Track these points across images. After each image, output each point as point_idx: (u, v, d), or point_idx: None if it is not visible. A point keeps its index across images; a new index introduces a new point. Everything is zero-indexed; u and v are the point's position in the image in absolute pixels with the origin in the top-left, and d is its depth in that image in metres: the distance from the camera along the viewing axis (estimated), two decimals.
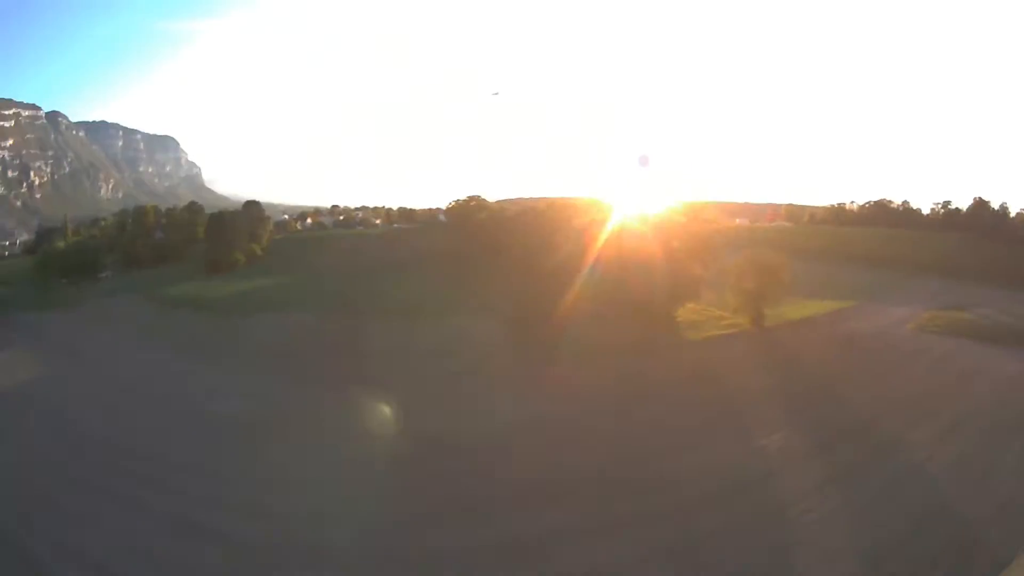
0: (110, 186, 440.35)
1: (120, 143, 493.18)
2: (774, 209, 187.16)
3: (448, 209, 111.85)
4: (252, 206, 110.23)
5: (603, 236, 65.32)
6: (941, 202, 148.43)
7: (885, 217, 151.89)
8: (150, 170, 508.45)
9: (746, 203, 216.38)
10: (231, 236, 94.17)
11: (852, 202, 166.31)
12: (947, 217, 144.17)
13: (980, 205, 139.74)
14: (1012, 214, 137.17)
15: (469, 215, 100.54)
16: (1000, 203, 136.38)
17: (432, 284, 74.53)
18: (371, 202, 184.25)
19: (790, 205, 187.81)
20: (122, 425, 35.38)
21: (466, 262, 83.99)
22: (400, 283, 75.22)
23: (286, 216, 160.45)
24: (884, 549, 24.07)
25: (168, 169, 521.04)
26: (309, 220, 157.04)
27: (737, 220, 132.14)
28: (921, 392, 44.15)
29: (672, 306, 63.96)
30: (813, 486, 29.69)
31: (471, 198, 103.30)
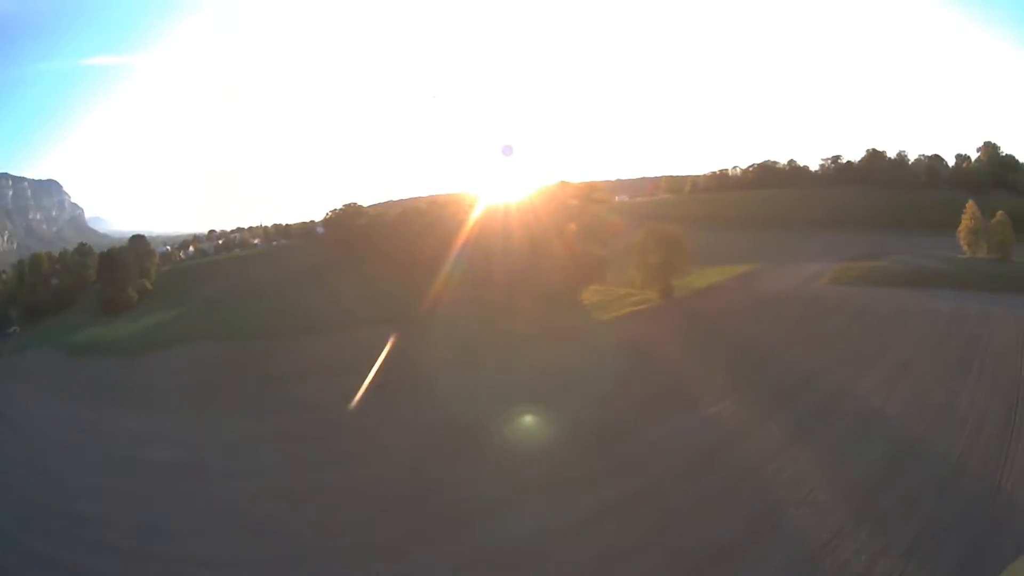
0: (4, 238, 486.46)
1: (11, 192, 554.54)
2: (653, 182, 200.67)
3: (325, 220, 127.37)
4: (138, 241, 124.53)
5: (488, 226, 73.68)
6: (830, 157, 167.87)
7: (772, 178, 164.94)
8: (38, 216, 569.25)
9: (619, 180, 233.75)
10: (122, 274, 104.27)
11: (735, 167, 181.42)
12: (839, 171, 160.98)
13: (874, 156, 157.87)
14: (911, 160, 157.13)
15: (347, 223, 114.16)
16: (897, 151, 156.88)
17: (322, 297, 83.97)
18: (248, 222, 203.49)
19: (669, 176, 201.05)
20: (60, 487, 37.99)
21: (352, 270, 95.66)
22: (292, 300, 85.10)
23: (168, 247, 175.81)
24: (867, 495, 25.47)
25: (54, 214, 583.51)
26: (192, 248, 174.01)
27: (616, 197, 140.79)
28: (857, 340, 48.05)
29: (577, 289, 67.40)
30: (778, 446, 30.72)
31: (348, 206, 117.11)
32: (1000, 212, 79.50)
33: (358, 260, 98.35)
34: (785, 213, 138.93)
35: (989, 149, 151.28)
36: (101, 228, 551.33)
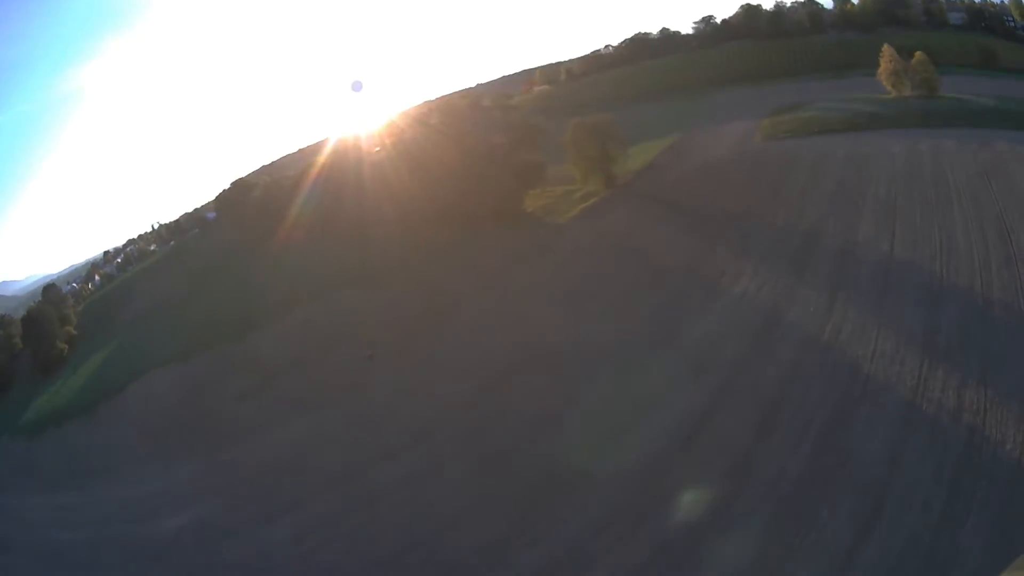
0: None
1: None
2: (525, 78, 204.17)
3: (216, 203, 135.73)
4: (51, 290, 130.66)
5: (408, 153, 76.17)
6: (701, 18, 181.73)
7: (647, 50, 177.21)
8: None
9: (480, 84, 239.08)
10: (48, 330, 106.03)
11: (607, 46, 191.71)
12: (715, 32, 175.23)
13: (750, 10, 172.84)
14: (788, 4, 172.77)
15: (241, 200, 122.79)
16: (774, 2, 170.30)
17: (257, 289, 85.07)
18: (135, 230, 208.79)
19: (540, 68, 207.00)
20: None
21: (269, 246, 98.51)
22: (221, 305, 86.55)
23: (74, 284, 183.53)
24: (924, 339, 31.49)
25: None
26: (97, 277, 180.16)
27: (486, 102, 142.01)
28: (831, 191, 54.76)
29: (519, 199, 71.39)
30: (823, 310, 34.74)
31: (236, 183, 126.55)
32: (918, 53, 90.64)
33: (270, 234, 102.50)
34: (674, 80, 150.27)
35: None
36: None
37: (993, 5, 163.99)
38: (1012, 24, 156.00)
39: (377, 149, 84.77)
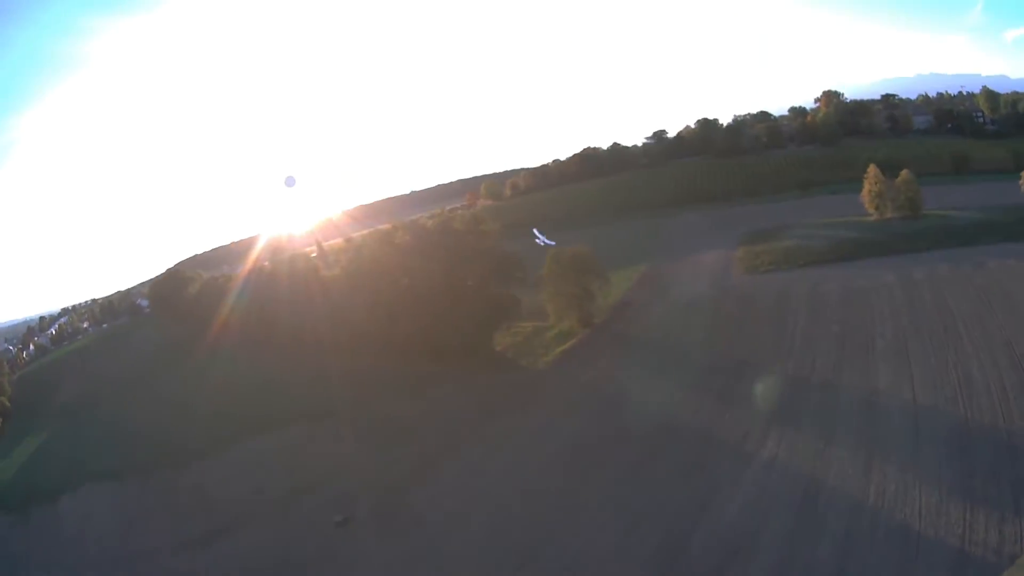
0: None
1: None
2: (470, 190, 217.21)
3: (150, 292, 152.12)
4: None
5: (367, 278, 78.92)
6: (653, 133, 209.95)
7: (596, 166, 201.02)
8: None
9: (415, 192, 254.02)
10: None
11: (555, 160, 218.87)
12: (669, 148, 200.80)
13: (707, 125, 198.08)
14: (744, 118, 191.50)
15: (176, 294, 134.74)
16: (732, 116, 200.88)
17: (197, 405, 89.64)
18: (70, 299, 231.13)
19: (485, 179, 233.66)
20: None
21: (211, 357, 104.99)
22: (158, 418, 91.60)
23: (10, 347, 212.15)
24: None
25: None
26: (32, 346, 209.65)
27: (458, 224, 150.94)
28: (836, 334, 62.23)
29: (489, 335, 74.76)
30: (861, 481, 40.43)
31: (170, 272, 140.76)
32: (905, 171, 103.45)
33: (206, 337, 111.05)
34: (628, 199, 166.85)
35: (831, 98, 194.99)
36: None
37: (961, 103, 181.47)
38: (981, 120, 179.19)
39: (312, 250, 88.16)
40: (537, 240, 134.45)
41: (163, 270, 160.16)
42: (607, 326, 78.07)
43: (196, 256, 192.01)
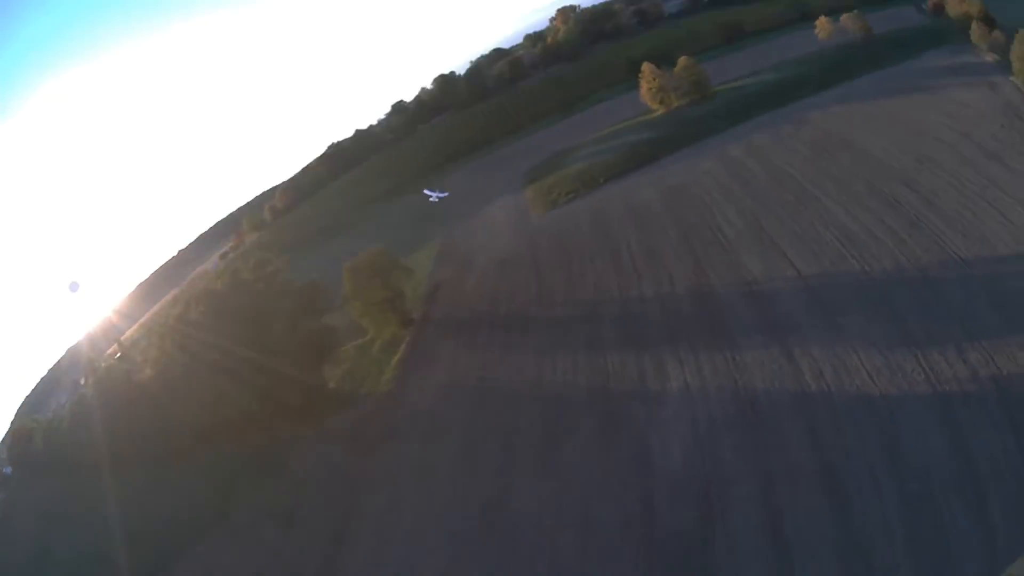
0: None
1: None
2: (234, 228, 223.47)
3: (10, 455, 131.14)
4: None
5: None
6: (391, 107, 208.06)
7: (348, 159, 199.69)
8: None
9: (192, 243, 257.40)
10: None
11: (304, 168, 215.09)
12: (412, 116, 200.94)
13: (445, 81, 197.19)
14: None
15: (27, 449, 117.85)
16: (469, 63, 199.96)
17: None
18: None
19: (243, 210, 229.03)
20: None
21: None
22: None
23: None
24: None
25: None
26: None
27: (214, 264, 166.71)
28: (683, 231, 60.71)
29: (318, 376, 70.93)
30: None
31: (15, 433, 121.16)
32: (682, 58, 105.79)
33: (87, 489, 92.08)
34: (391, 179, 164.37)
35: (566, 14, 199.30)
36: None
37: None
38: None
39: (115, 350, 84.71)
40: (431, 198, 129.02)
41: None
42: (428, 318, 75.26)
43: (27, 399, 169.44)
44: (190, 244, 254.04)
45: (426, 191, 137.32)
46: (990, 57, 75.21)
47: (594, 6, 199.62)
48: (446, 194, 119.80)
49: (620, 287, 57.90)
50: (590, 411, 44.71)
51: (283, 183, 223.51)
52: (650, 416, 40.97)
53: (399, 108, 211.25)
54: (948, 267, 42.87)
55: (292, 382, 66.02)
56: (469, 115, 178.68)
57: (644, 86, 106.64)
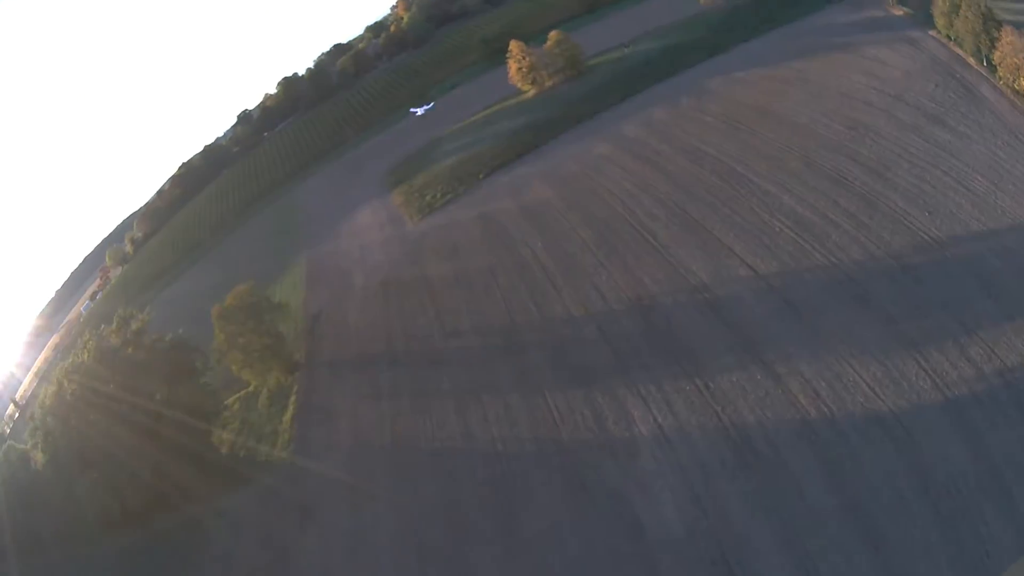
0: None
1: None
2: (98, 264, 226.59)
3: None
4: None
5: None
6: (237, 118, 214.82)
7: (200, 178, 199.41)
8: None
9: (65, 283, 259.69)
10: None
11: (158, 191, 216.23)
12: (259, 123, 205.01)
13: (287, 83, 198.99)
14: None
15: None
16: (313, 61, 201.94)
17: None
18: None
19: (105, 243, 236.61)
20: None
21: None
22: None
23: None
24: None
25: None
26: None
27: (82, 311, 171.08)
28: (595, 235, 56.20)
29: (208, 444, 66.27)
30: None
31: None
32: (554, 33, 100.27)
33: None
34: (243, 196, 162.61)
35: (409, 0, 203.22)
36: None
37: None
38: None
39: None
40: (418, 113, 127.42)
41: None
42: (314, 358, 67.67)
43: None
44: (63, 284, 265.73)
45: (412, 109, 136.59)
46: (900, 11, 74.02)
47: None
48: (431, 105, 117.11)
49: (538, 306, 52.46)
50: (544, 469, 39.78)
51: (141, 208, 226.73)
52: (624, 470, 36.61)
53: (244, 117, 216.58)
54: (922, 250, 41.02)
55: (182, 455, 61.38)
56: (316, 116, 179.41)
57: (513, 66, 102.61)
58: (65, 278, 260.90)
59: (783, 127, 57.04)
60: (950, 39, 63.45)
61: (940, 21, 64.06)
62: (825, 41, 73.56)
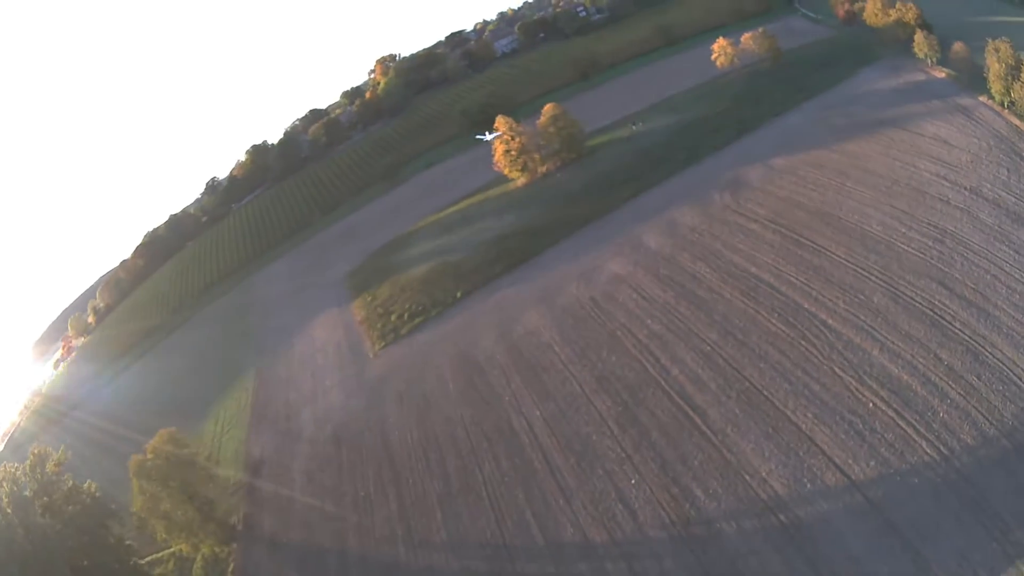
0: None
1: None
2: (61, 334, 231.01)
3: None
4: None
5: None
6: (205, 185, 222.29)
7: (164, 249, 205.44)
8: None
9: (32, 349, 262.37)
10: None
11: (121, 263, 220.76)
12: (226, 194, 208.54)
13: (256, 151, 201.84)
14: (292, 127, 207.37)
15: None
16: (284, 131, 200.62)
17: None
18: None
19: (67, 313, 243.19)
20: None
21: None
22: None
23: None
24: None
25: None
26: None
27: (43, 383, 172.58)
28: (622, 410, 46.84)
29: None
30: None
31: None
32: (549, 106, 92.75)
33: None
34: (202, 276, 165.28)
35: (385, 63, 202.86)
36: None
37: (558, 7, 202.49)
38: (584, 14, 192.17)
39: None
40: (487, 138, 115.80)
41: None
42: (253, 529, 59.90)
43: None
44: (31, 349, 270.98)
45: (477, 135, 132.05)
46: (941, 73, 69.86)
47: (416, 53, 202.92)
48: (499, 133, 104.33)
49: (539, 521, 41.25)
50: None
51: (104, 276, 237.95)
52: None
53: (213, 186, 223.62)
54: None
55: None
56: (283, 191, 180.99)
57: (500, 148, 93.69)
58: (29, 345, 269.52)
59: (853, 240, 48.03)
60: (1003, 106, 58.77)
61: (995, 86, 59.83)
62: (871, 115, 67.13)
